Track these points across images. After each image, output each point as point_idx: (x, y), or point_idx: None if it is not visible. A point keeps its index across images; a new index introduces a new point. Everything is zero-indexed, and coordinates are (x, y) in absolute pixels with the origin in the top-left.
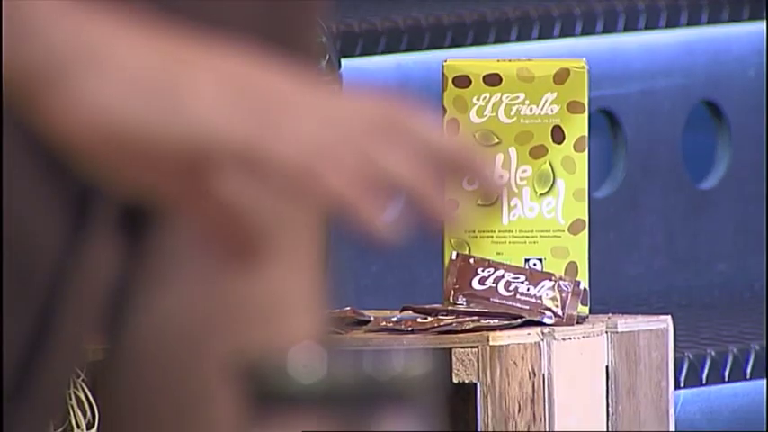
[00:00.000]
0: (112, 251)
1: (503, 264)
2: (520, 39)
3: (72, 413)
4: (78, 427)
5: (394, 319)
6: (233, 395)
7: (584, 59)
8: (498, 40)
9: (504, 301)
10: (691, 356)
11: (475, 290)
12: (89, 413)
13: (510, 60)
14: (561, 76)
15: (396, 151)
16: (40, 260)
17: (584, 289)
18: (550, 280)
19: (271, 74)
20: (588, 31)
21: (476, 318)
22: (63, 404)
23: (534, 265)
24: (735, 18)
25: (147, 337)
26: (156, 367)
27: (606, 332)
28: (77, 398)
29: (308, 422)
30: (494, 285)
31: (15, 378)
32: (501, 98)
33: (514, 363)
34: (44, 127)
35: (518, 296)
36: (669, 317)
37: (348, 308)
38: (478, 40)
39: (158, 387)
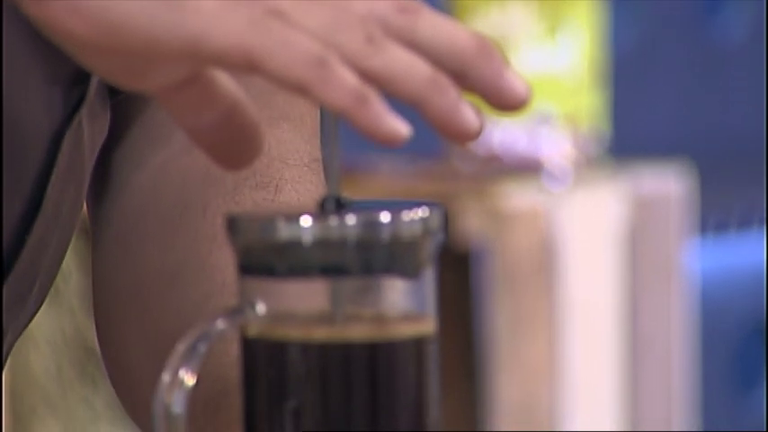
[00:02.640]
0: (104, 120)
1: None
2: None
3: None
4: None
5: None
6: (227, 251)
7: None
8: None
9: (510, 158)
10: (712, 217)
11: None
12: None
13: None
14: None
15: (404, 47)
16: (34, 138)
17: (599, 144)
18: (561, 136)
19: None
20: None
21: (479, 175)
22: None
23: (546, 117)
24: None
25: (141, 191)
26: (151, 220)
27: (621, 191)
28: None
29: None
30: (499, 143)
31: (10, 254)
32: None
33: (521, 224)
34: (42, 17)
35: (524, 152)
36: (690, 176)
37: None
38: None
39: (153, 239)
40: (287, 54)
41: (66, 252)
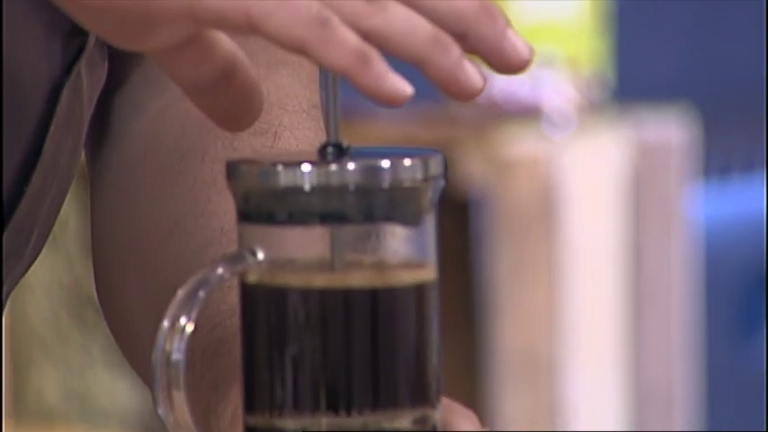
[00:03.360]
0: (102, 70)
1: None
2: None
3: None
4: None
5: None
6: (226, 198)
7: None
8: None
9: (511, 103)
10: (714, 163)
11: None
12: None
13: None
14: None
15: (404, 7)
16: (34, 89)
17: (601, 89)
18: (563, 80)
19: None
20: None
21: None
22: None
23: (548, 61)
24: None
25: (139, 138)
26: (149, 167)
27: (623, 137)
28: None
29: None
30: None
31: (8, 204)
32: None
33: (522, 171)
34: None
35: (525, 98)
36: (693, 121)
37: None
38: None
39: (151, 186)
40: (286, 14)
41: (63, 202)
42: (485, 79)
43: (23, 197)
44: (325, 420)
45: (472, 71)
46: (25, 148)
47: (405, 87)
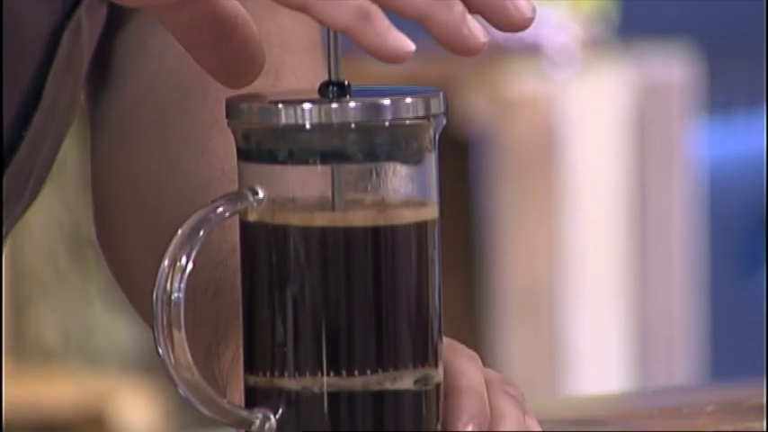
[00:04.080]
0: (101, 14)
1: None
2: None
3: None
4: None
5: None
6: (227, 137)
7: None
8: None
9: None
10: (717, 101)
11: None
12: None
13: None
14: None
15: None
16: (34, 35)
17: (604, 26)
18: (566, 17)
19: None
20: None
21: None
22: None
23: None
24: None
25: (140, 77)
26: (150, 107)
27: (627, 75)
28: None
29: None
30: None
31: (8, 148)
32: None
33: (524, 110)
34: None
35: (527, 35)
36: (696, 59)
37: None
38: None
39: (152, 125)
40: None
41: (61, 145)
42: (487, 35)
43: (23, 141)
44: (326, 359)
45: (475, 27)
46: (25, 92)
47: (407, 44)
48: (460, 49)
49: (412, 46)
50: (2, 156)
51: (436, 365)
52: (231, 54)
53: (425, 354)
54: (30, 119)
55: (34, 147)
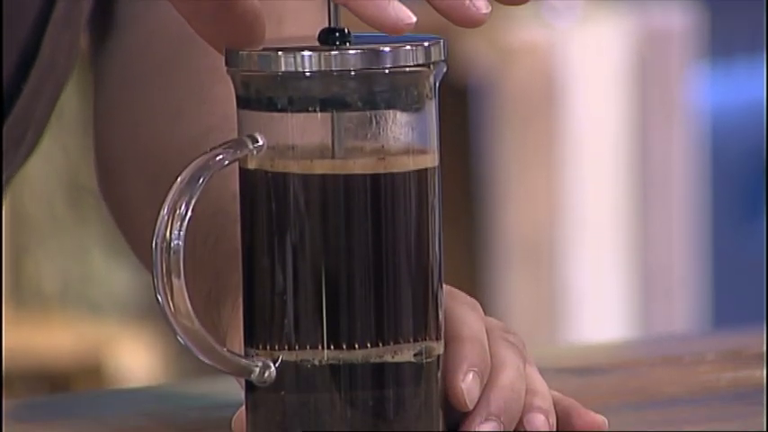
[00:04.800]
0: None
1: None
2: None
3: None
4: None
5: None
6: (229, 84)
7: None
8: None
9: None
10: (718, 49)
11: None
12: None
13: None
14: None
15: None
16: None
17: None
18: None
19: None
20: None
21: None
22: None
23: None
24: None
25: (143, 25)
26: (153, 54)
27: (628, 23)
28: None
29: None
30: None
31: (6, 101)
32: None
33: (524, 58)
34: None
35: None
36: (697, 6)
37: None
38: None
39: (155, 73)
40: None
41: (60, 96)
42: (490, 6)
43: (21, 95)
44: (325, 305)
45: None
46: (24, 46)
47: (407, 15)
48: (462, 20)
49: (413, 18)
50: (2, 107)
51: (437, 313)
52: (231, 25)
53: (426, 302)
54: (28, 72)
55: (32, 101)
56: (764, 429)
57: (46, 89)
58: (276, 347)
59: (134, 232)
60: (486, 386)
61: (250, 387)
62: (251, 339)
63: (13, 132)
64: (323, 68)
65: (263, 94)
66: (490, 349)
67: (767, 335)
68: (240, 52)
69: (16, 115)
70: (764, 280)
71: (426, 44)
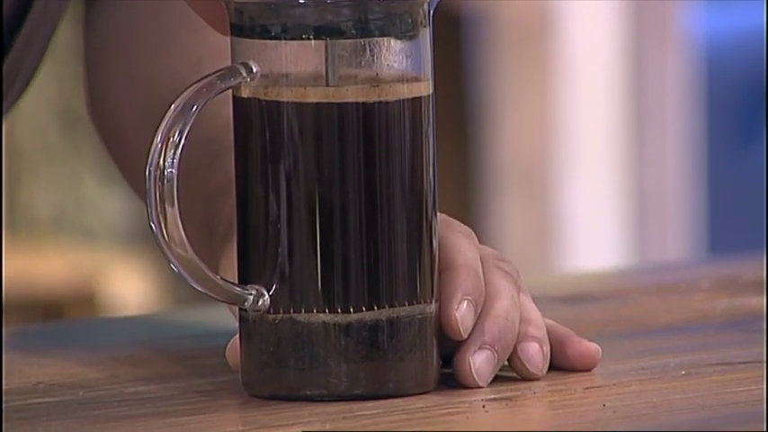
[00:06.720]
0: None
1: None
2: None
3: None
4: None
5: None
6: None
7: None
8: None
9: None
10: None
11: None
12: None
13: None
14: None
15: None
16: None
17: None
18: None
19: None
20: None
21: None
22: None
23: None
24: None
25: None
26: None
27: None
28: None
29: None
30: None
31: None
32: None
33: None
34: None
35: None
36: None
37: None
38: None
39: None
40: None
41: (50, 42)
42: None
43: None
44: (319, 235)
45: None
46: None
47: None
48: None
49: None
50: (1, 40)
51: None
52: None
53: (420, 228)
54: (21, 23)
55: (25, 50)
56: (764, 356)
57: (37, 38)
58: (270, 276)
59: (126, 161)
60: (481, 315)
61: (244, 316)
62: (245, 268)
63: (12, 65)
64: None
65: (257, 21)
66: (484, 277)
67: (767, 262)
68: None
69: (6, 65)
70: (764, 206)
71: None
